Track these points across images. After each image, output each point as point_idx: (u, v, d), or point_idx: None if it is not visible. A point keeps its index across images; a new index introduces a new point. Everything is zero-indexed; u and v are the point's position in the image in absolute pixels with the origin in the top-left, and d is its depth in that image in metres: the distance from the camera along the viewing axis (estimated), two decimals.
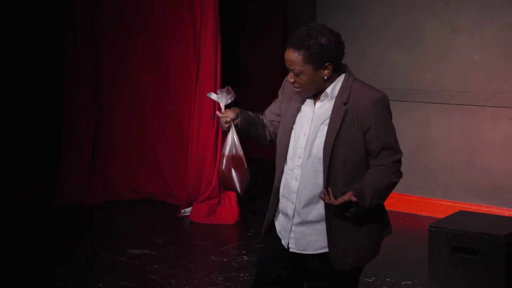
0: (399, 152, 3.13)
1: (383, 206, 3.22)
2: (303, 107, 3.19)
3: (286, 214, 3.21)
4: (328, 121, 3.08)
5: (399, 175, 3.11)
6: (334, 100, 3.10)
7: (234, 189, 3.26)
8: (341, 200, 2.98)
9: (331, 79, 3.11)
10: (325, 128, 3.08)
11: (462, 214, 5.24)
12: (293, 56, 3.05)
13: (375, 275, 5.29)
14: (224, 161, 3.24)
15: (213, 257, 5.77)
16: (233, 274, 5.31)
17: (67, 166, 7.45)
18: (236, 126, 3.25)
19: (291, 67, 3.07)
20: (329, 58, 3.08)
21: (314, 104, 3.15)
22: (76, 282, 5.21)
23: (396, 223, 6.65)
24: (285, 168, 3.20)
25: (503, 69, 6.46)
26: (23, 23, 7.39)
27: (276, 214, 3.29)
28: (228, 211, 6.68)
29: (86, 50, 7.45)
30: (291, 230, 3.19)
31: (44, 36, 7.55)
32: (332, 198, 2.98)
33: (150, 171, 7.53)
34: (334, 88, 3.12)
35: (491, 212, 6.29)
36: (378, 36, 7.04)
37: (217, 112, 3.27)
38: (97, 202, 7.33)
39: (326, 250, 3.14)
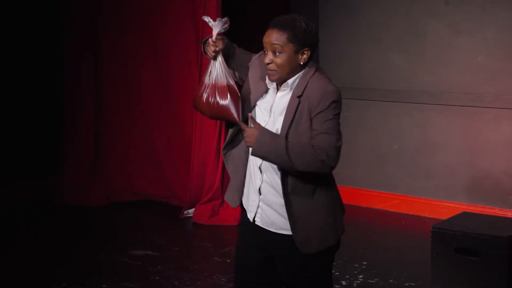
0: (338, 140, 3.10)
1: (334, 186, 3.26)
2: (268, 93, 3.25)
3: (254, 189, 3.27)
4: (284, 112, 3.15)
5: (328, 160, 3.05)
6: (291, 93, 3.17)
7: (231, 118, 3.25)
8: (245, 125, 3.14)
9: (297, 71, 3.17)
10: (281, 119, 3.15)
11: (465, 215, 5.24)
12: (277, 34, 3.12)
13: (378, 276, 5.29)
14: (217, 92, 3.24)
15: (216, 258, 5.76)
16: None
17: (68, 166, 7.43)
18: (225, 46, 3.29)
19: (274, 44, 3.11)
20: (309, 44, 3.15)
21: (276, 93, 3.22)
22: (78, 283, 5.20)
23: (399, 224, 6.66)
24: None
25: (505, 71, 6.46)
26: (23, 23, 7.37)
27: (245, 186, 3.34)
28: (231, 212, 6.66)
29: (86, 50, 7.43)
30: (258, 205, 3.26)
31: (44, 36, 7.52)
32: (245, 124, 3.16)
33: (152, 172, 7.52)
34: (295, 81, 3.19)
35: (494, 213, 6.30)
36: (379, 37, 7.03)
37: (210, 39, 3.27)
38: (98, 202, 7.32)
39: (287, 232, 3.20)
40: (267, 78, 3.22)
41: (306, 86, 3.14)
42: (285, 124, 3.13)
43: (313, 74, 3.17)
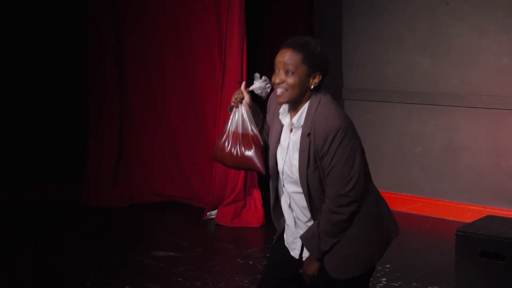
0: (349, 185, 3.04)
1: (381, 210, 3.22)
2: (283, 130, 3.22)
3: (294, 226, 3.29)
4: (298, 149, 3.12)
5: (344, 210, 3.06)
6: (301, 129, 3.12)
7: (255, 168, 3.25)
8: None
9: (305, 95, 3.11)
10: (297, 156, 3.12)
11: (489, 218, 5.19)
12: (291, 54, 3.06)
13: (401, 279, 5.26)
14: (240, 142, 3.24)
15: (238, 260, 5.76)
16: (258, 277, 5.28)
17: (92, 168, 7.47)
18: (250, 108, 3.30)
19: (287, 63, 3.06)
20: (321, 68, 3.10)
21: (290, 130, 3.18)
22: (102, 284, 5.22)
23: (423, 227, 6.62)
24: (278, 185, 3.28)
25: None
26: (47, 24, 7.41)
27: (285, 225, 3.37)
28: (254, 214, 6.67)
29: (110, 52, 7.45)
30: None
31: (69, 38, 7.56)
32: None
33: (174, 174, 7.54)
34: (300, 116, 3.12)
35: None
36: (404, 39, 7.00)
37: (242, 87, 3.28)
38: (122, 204, 7.35)
39: None
40: (279, 113, 3.19)
41: (312, 121, 3.06)
42: (302, 163, 3.08)
43: (317, 106, 3.08)
